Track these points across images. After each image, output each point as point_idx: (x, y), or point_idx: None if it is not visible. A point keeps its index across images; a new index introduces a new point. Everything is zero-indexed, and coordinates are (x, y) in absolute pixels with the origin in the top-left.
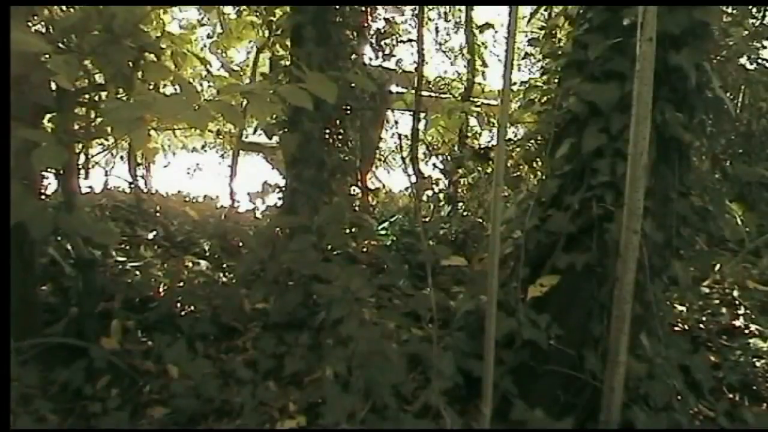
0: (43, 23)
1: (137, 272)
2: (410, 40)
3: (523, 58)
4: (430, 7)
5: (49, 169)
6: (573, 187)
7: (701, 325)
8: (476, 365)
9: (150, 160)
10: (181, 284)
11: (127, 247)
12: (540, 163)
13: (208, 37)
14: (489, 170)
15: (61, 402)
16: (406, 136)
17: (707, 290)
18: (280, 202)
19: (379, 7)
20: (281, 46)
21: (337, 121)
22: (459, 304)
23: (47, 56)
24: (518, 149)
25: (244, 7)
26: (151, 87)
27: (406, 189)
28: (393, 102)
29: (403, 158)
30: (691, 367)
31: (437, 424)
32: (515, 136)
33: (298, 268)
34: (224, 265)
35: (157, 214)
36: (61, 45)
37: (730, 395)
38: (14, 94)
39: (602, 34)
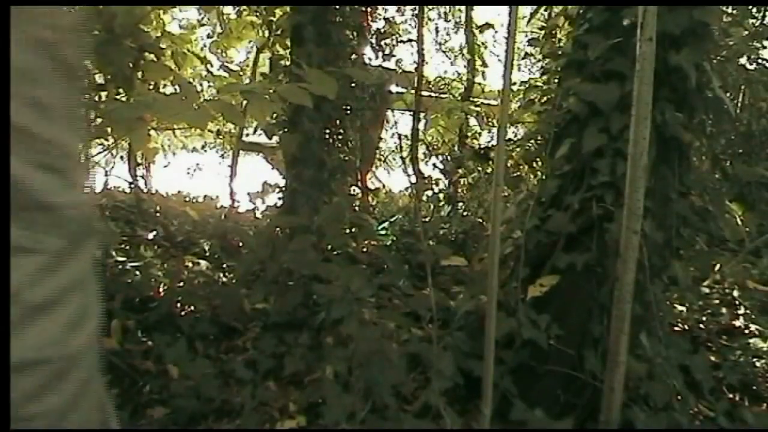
0: None
1: (137, 272)
2: (410, 40)
3: (523, 58)
4: (430, 7)
5: None
6: (573, 187)
7: (701, 325)
8: (476, 365)
9: (150, 160)
10: (181, 284)
11: (127, 247)
12: (540, 163)
13: (208, 37)
14: (489, 170)
15: None
16: (406, 136)
17: (707, 290)
18: (280, 202)
19: (379, 7)
20: (281, 46)
21: (337, 121)
22: (459, 304)
23: None
24: (518, 149)
25: (244, 7)
26: (151, 87)
27: (406, 189)
28: (393, 102)
29: (403, 158)
30: (691, 367)
31: (437, 424)
32: (515, 136)
33: (298, 268)
34: (224, 265)
35: (157, 214)
36: None
37: (730, 395)
38: None
39: (602, 34)
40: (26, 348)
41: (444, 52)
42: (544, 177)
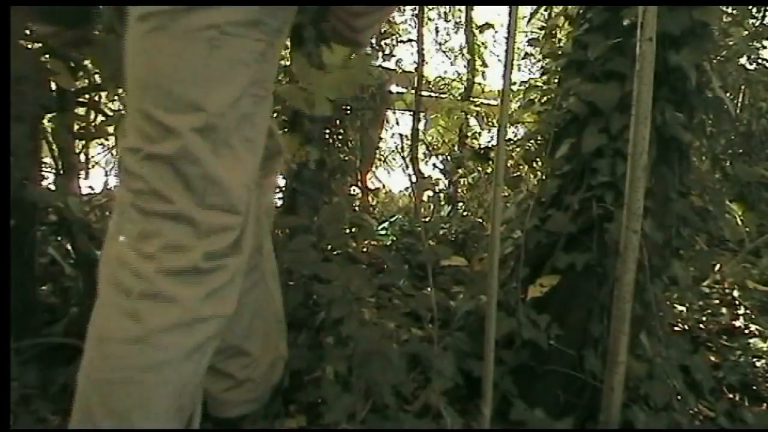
0: None
1: None
2: (410, 40)
3: (523, 58)
4: (430, 7)
5: (49, 169)
6: (573, 187)
7: (701, 325)
8: (476, 365)
9: None
10: None
11: None
12: (540, 163)
13: None
14: (489, 170)
15: (61, 402)
16: (406, 136)
17: (707, 290)
18: (280, 202)
19: None
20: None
21: (337, 121)
22: (459, 304)
23: (47, 56)
24: (518, 149)
25: None
26: None
27: (406, 189)
28: (393, 102)
29: (403, 158)
30: (691, 367)
31: (437, 424)
32: (515, 136)
33: (298, 268)
34: None
35: None
36: None
37: (730, 395)
38: (14, 94)
39: (602, 34)
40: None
41: (444, 52)
42: (544, 177)
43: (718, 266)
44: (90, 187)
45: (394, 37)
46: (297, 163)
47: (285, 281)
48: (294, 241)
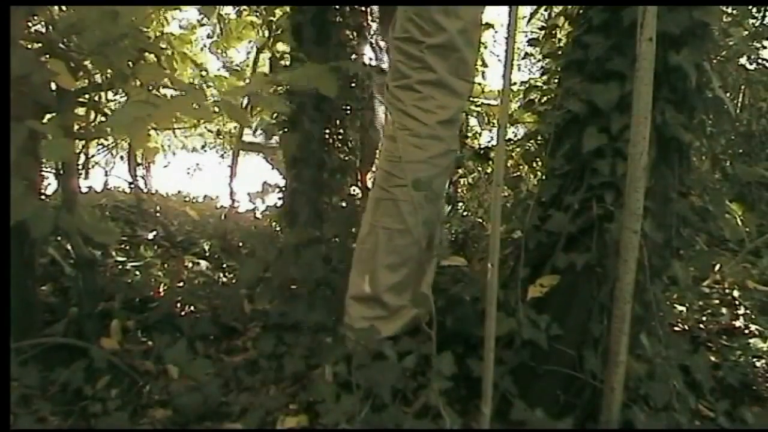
0: (43, 23)
1: (137, 272)
2: None
3: (523, 58)
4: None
5: (49, 169)
6: (573, 187)
7: (701, 325)
8: (476, 365)
9: (150, 160)
10: (181, 284)
11: (127, 247)
12: (540, 163)
13: (208, 37)
14: (489, 170)
15: (61, 402)
16: None
17: (707, 290)
18: (280, 202)
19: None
20: (285, 42)
21: (337, 121)
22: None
23: (47, 56)
24: (518, 149)
25: (244, 7)
26: (151, 88)
27: None
28: None
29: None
30: (691, 367)
31: (437, 425)
32: (515, 136)
33: (305, 279)
34: (224, 265)
35: (157, 214)
36: (61, 45)
37: (730, 395)
38: (14, 94)
39: (602, 34)
40: None
41: None
42: (544, 177)
43: (718, 266)
44: (90, 187)
45: None
46: (297, 163)
47: (290, 288)
48: (304, 253)
